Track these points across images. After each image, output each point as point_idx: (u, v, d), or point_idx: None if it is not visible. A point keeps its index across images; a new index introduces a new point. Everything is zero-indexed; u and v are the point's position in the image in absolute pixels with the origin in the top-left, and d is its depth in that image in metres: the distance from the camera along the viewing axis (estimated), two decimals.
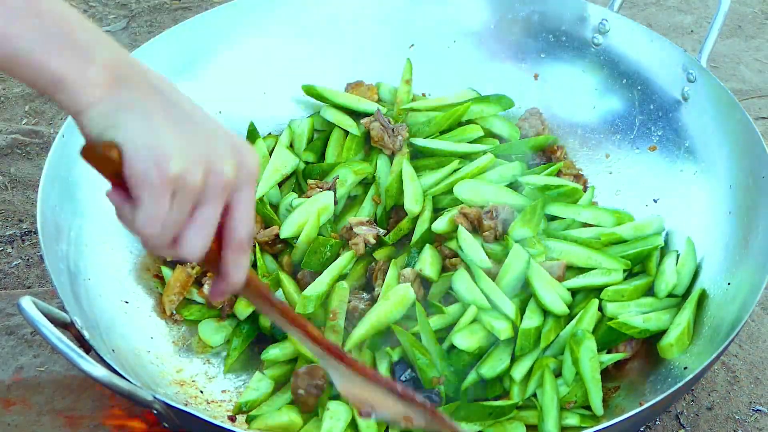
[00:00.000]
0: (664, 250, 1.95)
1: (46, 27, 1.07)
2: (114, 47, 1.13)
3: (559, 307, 1.79)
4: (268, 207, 2.02)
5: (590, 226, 1.97)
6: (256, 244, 1.94)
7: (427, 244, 1.92)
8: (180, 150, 1.10)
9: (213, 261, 1.19)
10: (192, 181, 1.10)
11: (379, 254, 1.95)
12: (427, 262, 1.87)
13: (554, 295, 1.80)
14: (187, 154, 1.10)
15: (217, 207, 1.14)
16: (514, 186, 2.02)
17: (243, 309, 1.88)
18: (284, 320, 1.34)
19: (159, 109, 1.12)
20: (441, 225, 1.91)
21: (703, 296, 1.85)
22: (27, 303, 1.47)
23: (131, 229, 1.15)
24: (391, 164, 2.07)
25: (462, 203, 1.95)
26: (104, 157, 1.10)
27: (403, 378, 1.74)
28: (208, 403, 1.77)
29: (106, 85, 1.10)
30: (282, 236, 1.94)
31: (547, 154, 2.18)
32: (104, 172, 1.13)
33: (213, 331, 1.89)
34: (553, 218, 2.00)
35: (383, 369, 1.77)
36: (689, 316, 1.81)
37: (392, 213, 2.04)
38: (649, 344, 1.83)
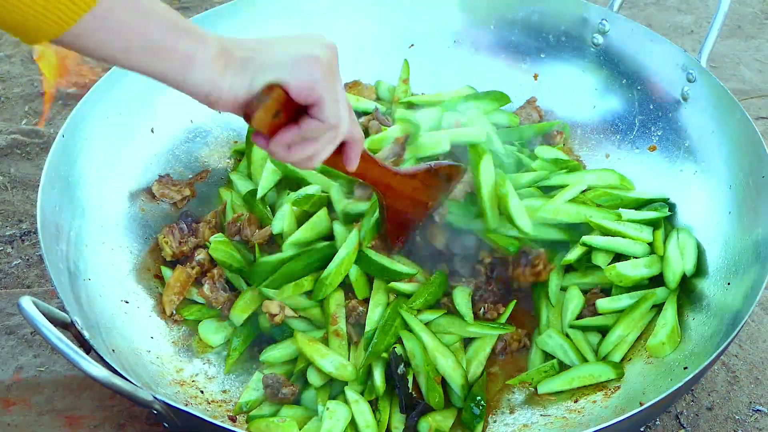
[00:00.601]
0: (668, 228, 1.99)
1: (166, 21, 1.29)
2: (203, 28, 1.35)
3: (526, 225, 1.88)
4: (267, 207, 2.02)
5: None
6: (255, 245, 1.95)
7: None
8: (312, 45, 1.37)
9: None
10: (330, 53, 1.39)
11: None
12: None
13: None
14: (316, 44, 1.38)
15: (338, 86, 1.42)
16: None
17: (239, 314, 1.88)
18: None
19: (269, 47, 1.36)
20: None
21: (683, 293, 1.88)
22: (27, 303, 1.47)
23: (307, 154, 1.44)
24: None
25: None
26: (272, 100, 1.34)
27: (399, 371, 1.75)
28: (208, 403, 1.77)
29: (221, 56, 1.32)
30: (274, 232, 1.94)
31: (546, 140, 2.19)
32: (268, 122, 1.37)
33: (213, 331, 1.89)
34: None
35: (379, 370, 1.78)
36: (673, 313, 1.84)
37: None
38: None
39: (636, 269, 1.89)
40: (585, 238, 1.91)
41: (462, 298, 1.87)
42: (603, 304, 1.87)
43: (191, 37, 1.31)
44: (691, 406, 1.94)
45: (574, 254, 1.91)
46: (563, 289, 1.93)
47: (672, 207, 2.02)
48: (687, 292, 1.90)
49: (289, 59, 1.34)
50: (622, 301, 1.88)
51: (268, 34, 2.20)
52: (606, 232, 1.93)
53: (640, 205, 2.02)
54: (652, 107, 2.16)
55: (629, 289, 1.90)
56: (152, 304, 1.91)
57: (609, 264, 1.91)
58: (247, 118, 1.37)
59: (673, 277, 1.89)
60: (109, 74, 2.00)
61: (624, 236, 1.93)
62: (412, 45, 2.33)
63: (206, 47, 1.31)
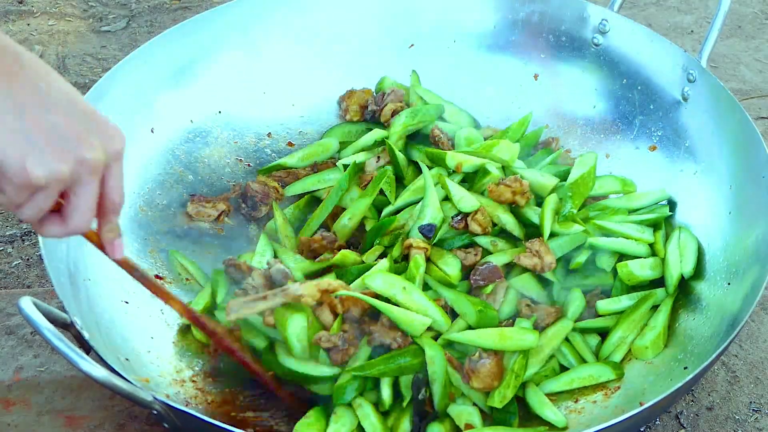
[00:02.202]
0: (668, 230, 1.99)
1: None
2: None
3: (471, 204, 1.87)
4: None
5: None
6: None
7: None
8: (37, 162, 1.19)
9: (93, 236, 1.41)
10: (59, 176, 1.21)
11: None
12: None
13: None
14: (51, 158, 1.20)
15: (93, 187, 1.27)
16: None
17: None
18: (149, 288, 1.61)
19: (32, 110, 1.19)
20: None
21: (677, 300, 1.88)
22: (27, 303, 1.47)
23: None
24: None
25: None
26: None
27: (420, 396, 1.74)
28: (208, 403, 1.77)
29: None
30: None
31: (543, 146, 2.19)
32: None
33: None
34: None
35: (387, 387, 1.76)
36: (665, 318, 1.84)
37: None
38: None
39: (643, 270, 1.90)
40: (590, 240, 1.91)
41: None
42: (603, 305, 1.87)
43: None
44: (691, 406, 1.94)
45: (581, 257, 1.91)
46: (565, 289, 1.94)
47: (673, 206, 2.03)
48: (687, 293, 1.90)
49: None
50: (622, 302, 1.88)
51: (268, 33, 2.24)
52: (608, 234, 1.93)
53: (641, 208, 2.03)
54: (652, 107, 2.16)
55: (629, 290, 1.90)
56: (152, 305, 1.91)
57: (612, 267, 1.92)
58: None
59: (671, 281, 1.89)
60: (109, 74, 2.00)
61: (627, 237, 1.93)
62: (412, 45, 2.33)
63: None
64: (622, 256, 1.94)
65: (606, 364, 1.81)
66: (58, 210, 1.30)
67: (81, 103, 1.25)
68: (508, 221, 1.92)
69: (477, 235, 1.91)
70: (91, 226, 1.34)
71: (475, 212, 1.89)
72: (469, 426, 1.71)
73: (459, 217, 1.91)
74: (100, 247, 1.44)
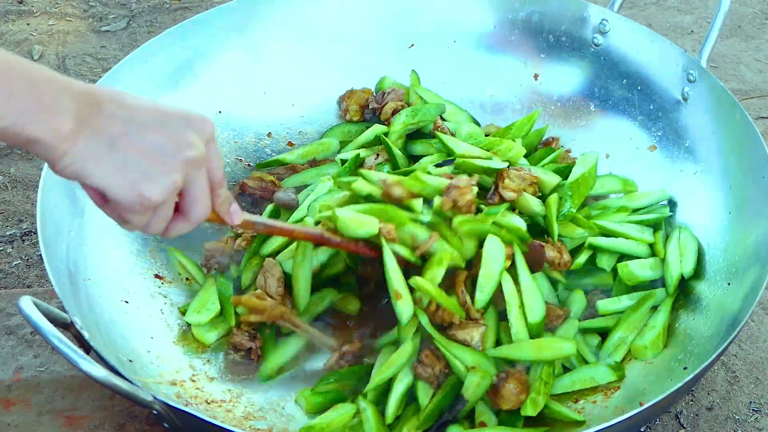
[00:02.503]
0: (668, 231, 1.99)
1: (16, 92, 1.16)
2: (73, 89, 1.22)
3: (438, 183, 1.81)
4: None
5: None
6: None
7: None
8: (148, 183, 1.26)
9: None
10: (175, 187, 1.29)
11: None
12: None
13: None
14: (160, 174, 1.27)
15: (204, 178, 1.35)
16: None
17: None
18: (278, 233, 1.73)
19: (123, 139, 1.25)
20: None
21: (677, 300, 1.88)
22: (27, 303, 1.47)
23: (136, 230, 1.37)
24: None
25: None
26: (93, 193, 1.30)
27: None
28: (208, 403, 1.77)
29: (72, 134, 1.21)
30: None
31: (543, 145, 2.20)
32: (96, 198, 1.33)
33: (206, 330, 1.89)
34: None
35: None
36: (665, 318, 1.84)
37: None
38: None
39: (643, 270, 1.90)
40: (591, 240, 1.91)
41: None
42: (603, 305, 1.87)
43: (41, 115, 1.19)
44: (691, 406, 1.94)
45: (582, 258, 1.91)
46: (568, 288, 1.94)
47: (673, 206, 2.03)
48: (687, 293, 1.90)
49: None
50: (622, 302, 1.88)
51: (268, 33, 2.24)
52: (608, 234, 1.93)
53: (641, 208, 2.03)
54: (652, 107, 2.16)
55: (629, 290, 1.90)
56: (152, 305, 1.91)
57: (612, 267, 1.93)
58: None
59: (670, 281, 1.89)
60: (109, 74, 2.00)
61: (627, 237, 1.93)
62: (412, 45, 2.33)
63: (57, 125, 1.21)
64: (622, 256, 1.94)
65: (607, 365, 1.81)
66: (175, 209, 1.36)
67: (162, 110, 1.30)
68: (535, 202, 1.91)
69: (514, 201, 1.89)
70: (206, 217, 1.40)
71: (502, 178, 1.88)
72: (483, 424, 1.72)
73: (492, 192, 1.89)
74: (219, 220, 1.48)
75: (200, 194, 1.35)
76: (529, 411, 1.70)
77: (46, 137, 1.19)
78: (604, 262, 1.93)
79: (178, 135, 1.29)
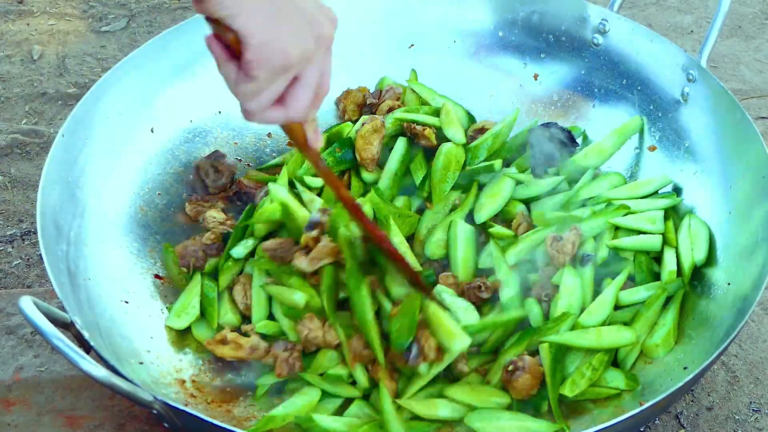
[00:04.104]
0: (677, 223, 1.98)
1: None
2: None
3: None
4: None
5: None
6: None
7: None
8: (294, 40, 1.30)
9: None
10: (308, 53, 1.33)
11: None
12: None
13: None
14: (305, 36, 1.31)
15: (318, 69, 1.37)
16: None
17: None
18: (329, 180, 1.67)
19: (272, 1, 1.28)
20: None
21: (687, 295, 1.87)
22: (27, 303, 1.47)
23: (234, 93, 1.36)
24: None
25: None
26: (231, 41, 1.30)
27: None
28: (208, 403, 1.77)
29: None
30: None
31: None
32: (221, 52, 1.34)
33: (206, 329, 1.89)
34: None
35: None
36: (674, 315, 1.83)
37: None
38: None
39: (636, 294, 1.87)
40: (609, 243, 1.90)
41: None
42: (625, 296, 1.85)
43: None
44: (691, 406, 1.94)
45: (603, 253, 1.90)
46: None
47: (678, 191, 2.03)
48: (686, 296, 1.90)
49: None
50: (641, 293, 1.87)
51: None
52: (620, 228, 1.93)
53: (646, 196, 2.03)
54: (652, 107, 2.16)
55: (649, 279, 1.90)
56: (152, 305, 1.91)
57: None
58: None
59: (684, 270, 1.87)
60: (109, 74, 2.00)
61: (641, 231, 1.92)
62: (412, 45, 2.33)
63: None
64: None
65: (621, 372, 1.79)
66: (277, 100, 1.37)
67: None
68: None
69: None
70: (306, 113, 1.41)
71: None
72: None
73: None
74: (302, 137, 1.48)
75: (307, 88, 1.36)
76: (567, 391, 1.71)
77: None
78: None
79: (318, 13, 1.34)
